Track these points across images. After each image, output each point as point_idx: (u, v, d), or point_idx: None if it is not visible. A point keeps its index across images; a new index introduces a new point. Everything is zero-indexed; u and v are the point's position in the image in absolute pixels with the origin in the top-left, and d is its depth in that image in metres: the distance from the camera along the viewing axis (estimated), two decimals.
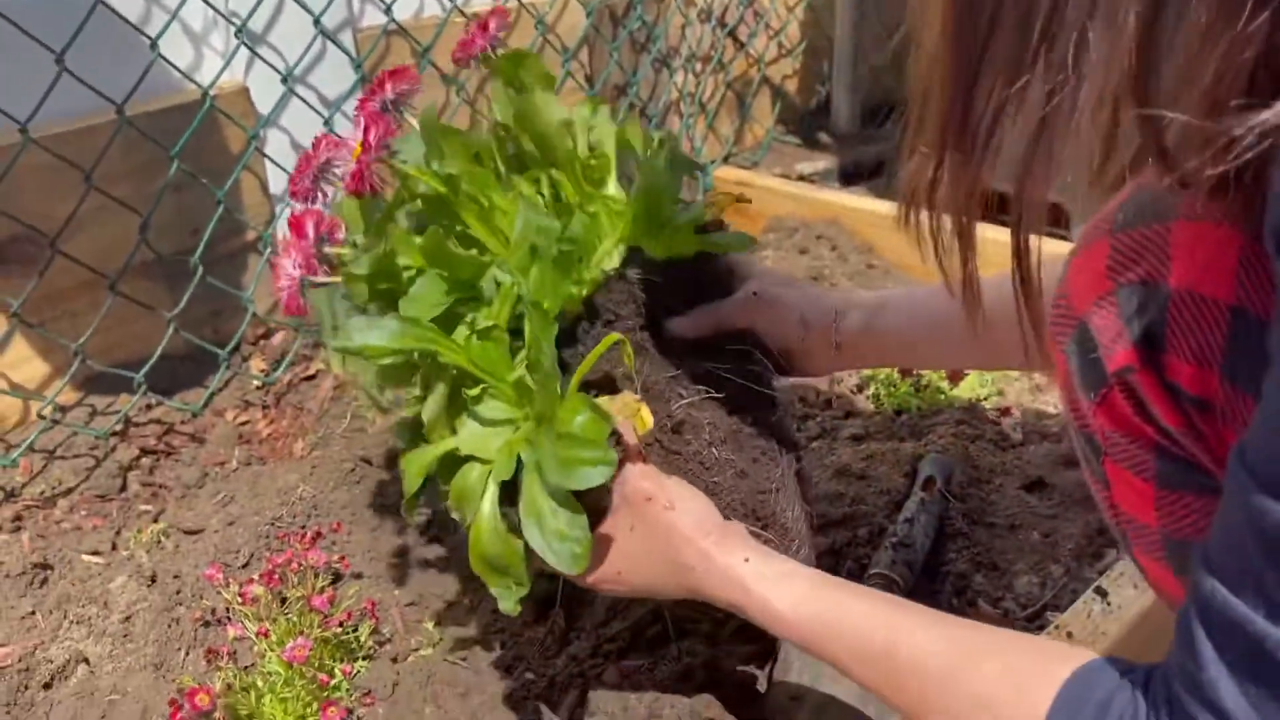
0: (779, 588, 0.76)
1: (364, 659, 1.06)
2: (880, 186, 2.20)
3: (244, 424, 1.47)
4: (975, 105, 0.54)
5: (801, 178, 2.19)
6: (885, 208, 1.88)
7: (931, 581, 1.13)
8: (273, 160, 1.57)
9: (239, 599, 1.08)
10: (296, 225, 0.82)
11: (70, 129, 1.37)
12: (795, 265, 1.78)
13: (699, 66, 2.18)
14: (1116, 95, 0.49)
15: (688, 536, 0.80)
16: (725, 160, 2.25)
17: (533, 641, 1.09)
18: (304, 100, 1.58)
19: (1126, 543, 0.69)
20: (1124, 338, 0.61)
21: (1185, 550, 0.64)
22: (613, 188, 0.90)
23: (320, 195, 0.84)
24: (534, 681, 1.04)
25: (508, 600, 0.79)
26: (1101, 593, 1.01)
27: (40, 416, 1.41)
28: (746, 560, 0.78)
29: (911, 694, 0.68)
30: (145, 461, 1.39)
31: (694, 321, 0.92)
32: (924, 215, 0.60)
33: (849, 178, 2.27)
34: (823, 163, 2.27)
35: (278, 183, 1.60)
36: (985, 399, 1.43)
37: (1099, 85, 0.49)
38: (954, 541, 1.17)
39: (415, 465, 0.81)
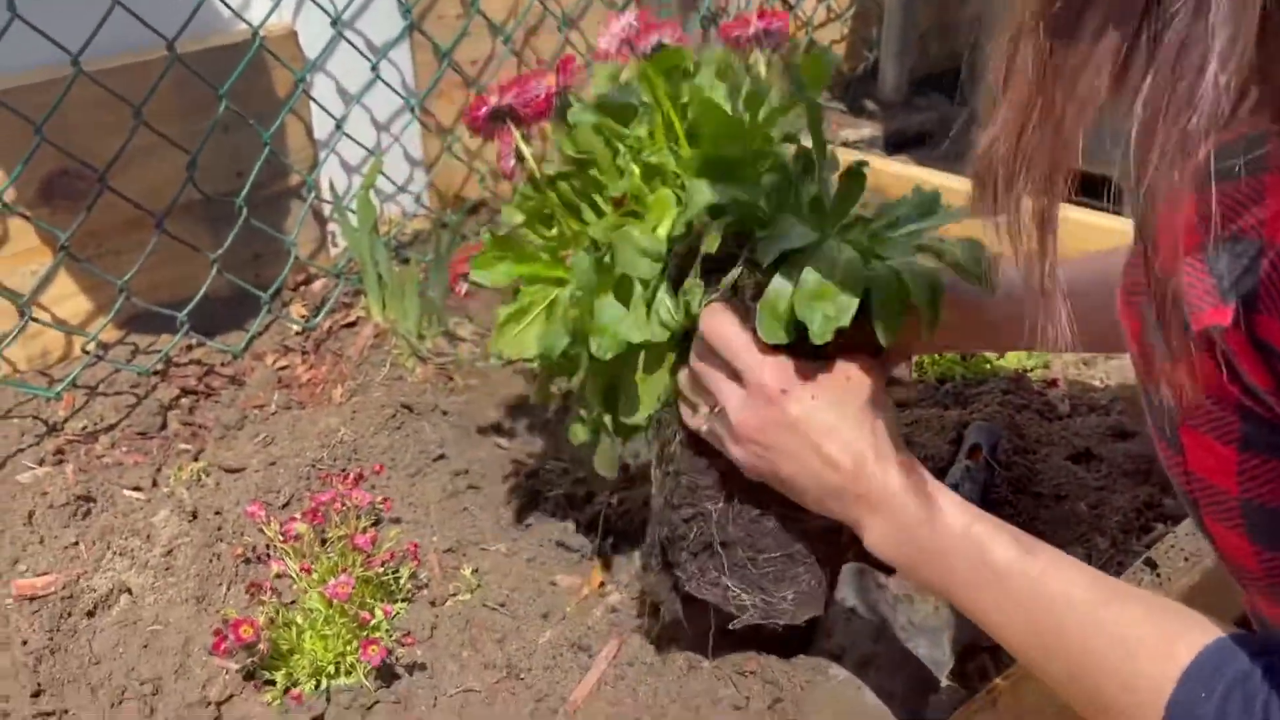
0: (946, 497, 0.77)
1: (403, 601, 1.06)
2: (925, 155, 2.16)
3: (283, 369, 1.47)
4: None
5: (845, 145, 2.16)
6: (930, 176, 1.84)
7: None
8: (319, 104, 1.56)
9: (280, 536, 1.08)
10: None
11: (120, 64, 1.36)
12: None
13: None
14: (1245, 43, 0.45)
15: (884, 407, 0.81)
16: None
17: (572, 591, 1.09)
18: (352, 45, 1.56)
19: (1197, 511, 0.68)
20: (1213, 295, 0.58)
21: (1263, 516, 0.62)
22: None
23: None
24: (571, 631, 1.03)
25: (825, 328, 0.77)
26: (1151, 564, 1.00)
27: (85, 352, 1.41)
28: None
29: (1049, 623, 0.69)
30: (185, 401, 1.39)
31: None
32: (1001, 192, 0.56)
33: (894, 146, 2.24)
34: (867, 130, 2.24)
35: (323, 128, 1.60)
36: (1031, 370, 1.41)
37: (1228, 33, 0.45)
38: (999, 510, 1.15)
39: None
